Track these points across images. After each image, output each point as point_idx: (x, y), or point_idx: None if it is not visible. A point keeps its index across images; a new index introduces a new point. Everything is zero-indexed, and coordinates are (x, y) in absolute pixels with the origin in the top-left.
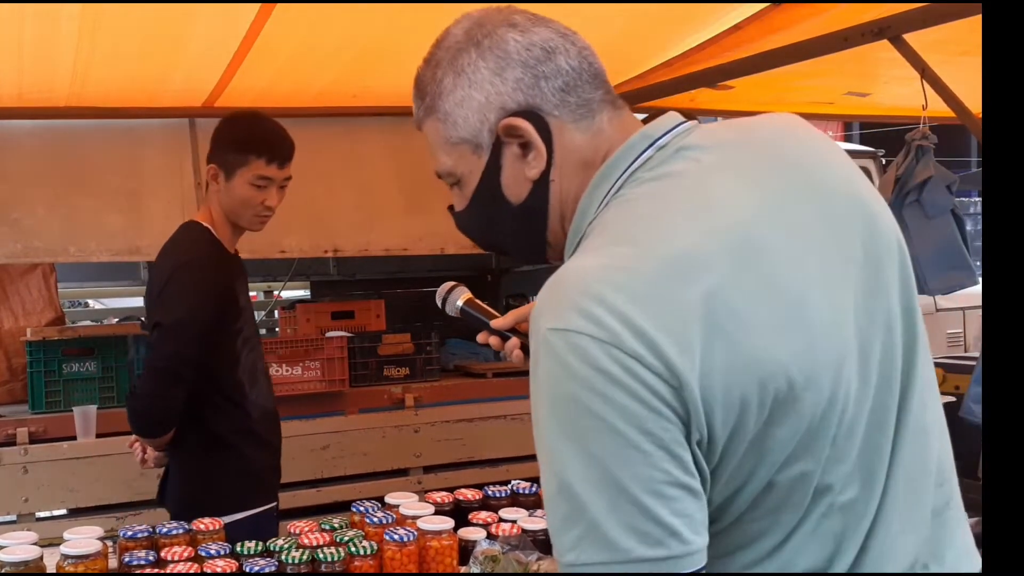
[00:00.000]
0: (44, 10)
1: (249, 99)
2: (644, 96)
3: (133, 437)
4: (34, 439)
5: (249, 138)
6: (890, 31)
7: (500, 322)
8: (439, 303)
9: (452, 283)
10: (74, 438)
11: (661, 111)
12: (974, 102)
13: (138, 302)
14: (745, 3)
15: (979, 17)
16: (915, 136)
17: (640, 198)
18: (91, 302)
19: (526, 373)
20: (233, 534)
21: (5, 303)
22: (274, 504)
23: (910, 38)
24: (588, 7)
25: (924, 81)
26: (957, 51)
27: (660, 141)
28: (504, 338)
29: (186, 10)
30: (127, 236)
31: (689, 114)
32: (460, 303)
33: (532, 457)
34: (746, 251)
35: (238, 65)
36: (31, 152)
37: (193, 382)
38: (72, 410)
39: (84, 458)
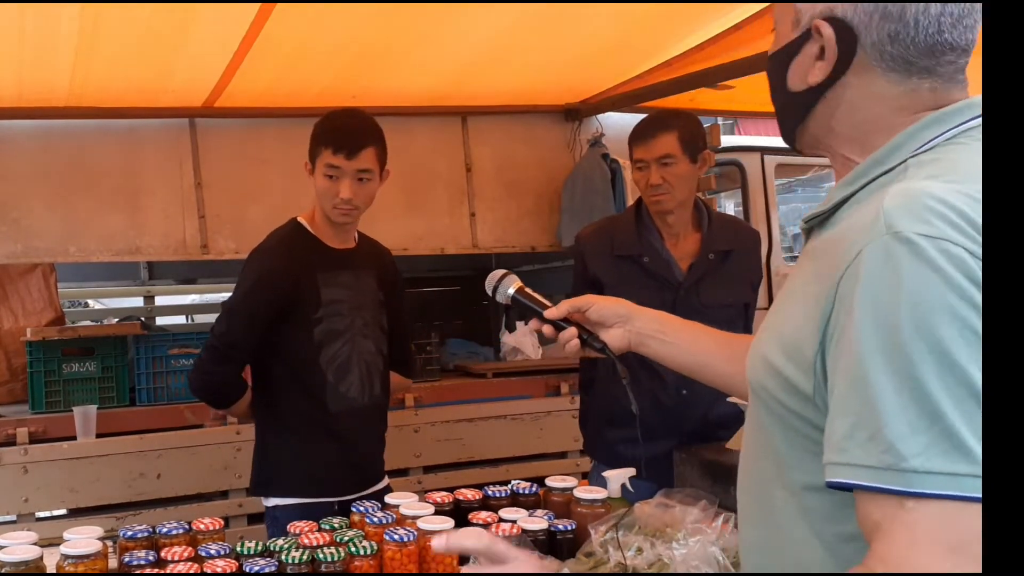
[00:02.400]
0: (44, 10)
1: (249, 99)
2: (644, 96)
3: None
4: (34, 439)
5: (321, 131)
6: None
7: (554, 312)
8: (489, 291)
9: (503, 271)
10: (74, 438)
11: (660, 116)
12: None
13: (138, 302)
14: (745, 3)
15: None
16: None
17: (966, 154)
18: (91, 302)
19: (526, 373)
20: (284, 518)
21: (5, 303)
22: (332, 500)
23: None
24: (588, 7)
25: None
26: None
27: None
28: (558, 328)
29: (186, 10)
30: (127, 236)
31: (688, 114)
32: (512, 291)
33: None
34: None
35: (238, 65)
36: (31, 152)
37: (263, 362)
38: (72, 410)
39: (84, 458)
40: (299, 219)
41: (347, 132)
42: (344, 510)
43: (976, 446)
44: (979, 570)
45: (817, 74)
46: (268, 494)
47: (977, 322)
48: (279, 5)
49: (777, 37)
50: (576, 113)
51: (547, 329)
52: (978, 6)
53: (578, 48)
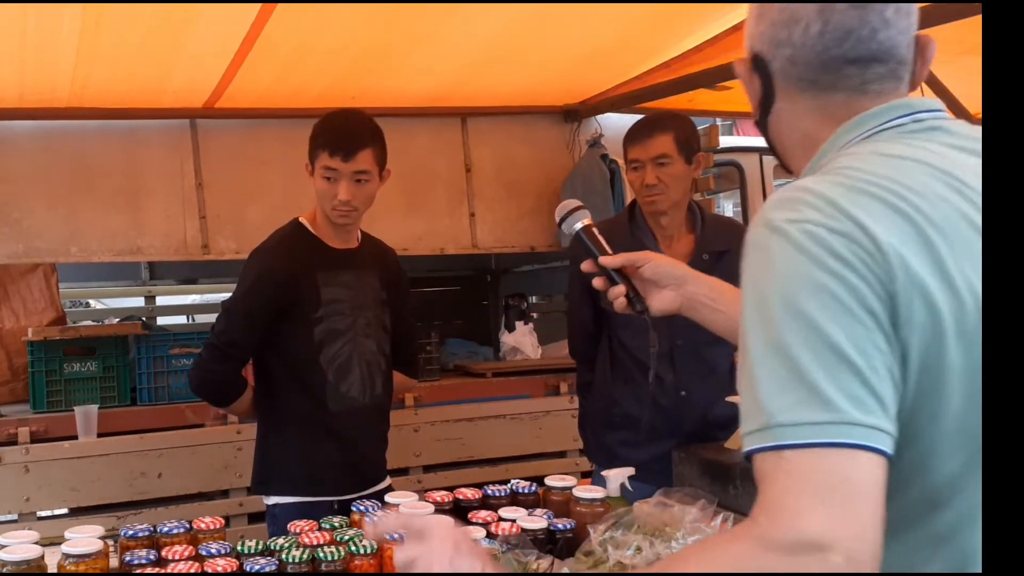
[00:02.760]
0: (45, 10)
1: (250, 100)
2: (644, 97)
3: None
4: (35, 438)
5: (319, 132)
6: None
7: (610, 259)
8: (557, 218)
9: (577, 203)
10: (75, 437)
11: (660, 112)
12: (973, 102)
13: (139, 302)
14: (745, 3)
15: (979, 17)
16: None
17: (883, 147)
18: (92, 302)
19: (526, 373)
20: (283, 516)
21: (6, 303)
22: (332, 499)
23: None
24: (588, 7)
25: (923, 81)
26: (957, 51)
27: (920, 115)
28: (610, 280)
29: (187, 11)
30: (128, 236)
31: (688, 115)
32: (579, 226)
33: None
34: (966, 200)
35: (239, 66)
36: (32, 152)
37: (264, 361)
38: (73, 410)
39: (85, 457)
40: (300, 219)
41: (344, 134)
42: (344, 509)
43: (839, 398)
44: (847, 510)
45: (752, 108)
46: (268, 492)
47: (837, 288)
48: (279, 5)
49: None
50: (575, 114)
51: (598, 281)
52: (874, 15)
53: (577, 49)
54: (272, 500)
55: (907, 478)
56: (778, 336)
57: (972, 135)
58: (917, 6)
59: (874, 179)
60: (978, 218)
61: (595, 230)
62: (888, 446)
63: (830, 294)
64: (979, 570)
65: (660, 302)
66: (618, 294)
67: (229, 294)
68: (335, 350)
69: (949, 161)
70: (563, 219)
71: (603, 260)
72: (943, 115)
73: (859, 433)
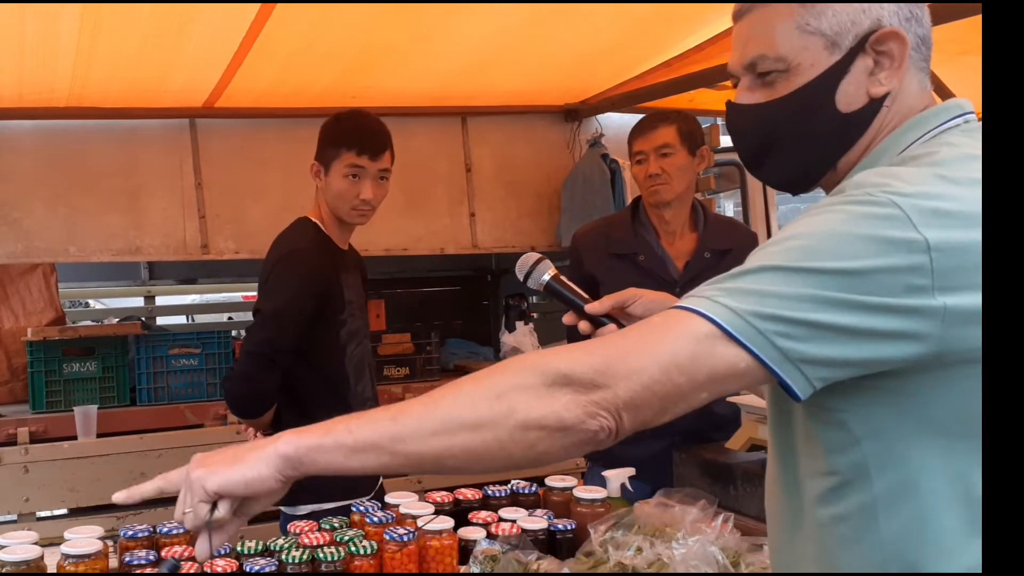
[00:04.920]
0: (44, 10)
1: (250, 99)
2: (644, 96)
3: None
4: (35, 439)
5: (339, 133)
6: None
7: (596, 307)
8: (520, 276)
9: (537, 255)
10: (75, 438)
11: (659, 112)
12: (973, 102)
13: (139, 302)
14: (744, 3)
15: (979, 17)
16: None
17: (958, 143)
18: (92, 302)
19: None
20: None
21: (6, 303)
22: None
23: None
24: (588, 7)
25: None
26: (957, 51)
27: (969, 115)
28: (596, 324)
29: (186, 10)
30: (127, 236)
31: (686, 113)
32: (546, 278)
33: None
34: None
35: (238, 65)
36: (32, 152)
37: (292, 369)
38: (73, 410)
39: (85, 458)
40: (311, 218)
41: (370, 133)
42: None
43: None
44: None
45: (884, 83)
46: (300, 502)
47: (870, 238)
48: (279, 5)
49: (789, 75)
50: (576, 113)
51: (583, 325)
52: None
53: (577, 48)
54: (306, 509)
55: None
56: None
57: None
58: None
59: (961, 174)
60: None
61: (563, 278)
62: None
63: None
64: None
65: None
66: (608, 333)
67: (229, 294)
68: (352, 351)
69: None
70: (527, 275)
71: (590, 309)
72: (973, 116)
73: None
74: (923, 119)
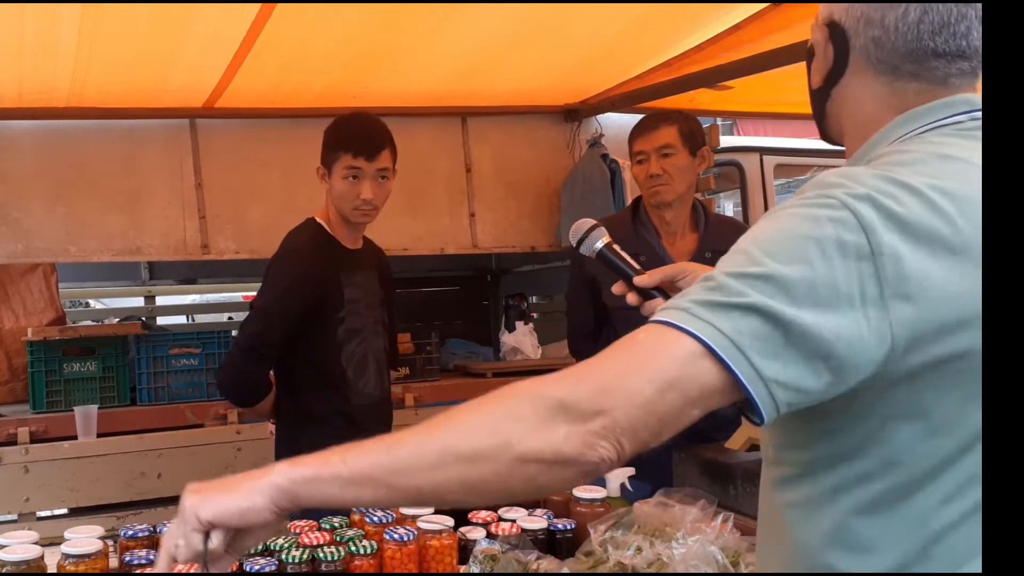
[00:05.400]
0: (44, 10)
1: (250, 100)
2: (644, 96)
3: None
4: (35, 439)
5: (338, 136)
6: None
7: (646, 279)
8: (573, 242)
9: (592, 222)
10: (75, 438)
11: (660, 112)
12: None
13: (139, 302)
14: (745, 3)
15: None
16: None
17: (941, 142)
18: (92, 302)
19: (526, 373)
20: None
21: (6, 303)
22: None
23: None
24: (588, 7)
25: None
26: None
27: (977, 112)
28: (645, 296)
29: (186, 10)
30: (128, 236)
31: (687, 113)
32: (599, 245)
33: None
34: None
35: (239, 65)
36: (32, 152)
37: (290, 363)
38: (73, 410)
39: (85, 458)
40: (317, 219)
41: (366, 134)
42: None
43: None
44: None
45: (817, 76)
46: None
47: (821, 231)
48: (279, 5)
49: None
50: (576, 114)
51: (632, 297)
52: (973, 11)
53: (578, 49)
54: None
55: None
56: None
57: None
58: None
59: (918, 180)
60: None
61: (617, 247)
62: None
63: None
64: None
65: None
66: (655, 307)
67: (229, 294)
68: (352, 348)
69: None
70: (580, 240)
71: (639, 281)
72: None
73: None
74: (915, 115)
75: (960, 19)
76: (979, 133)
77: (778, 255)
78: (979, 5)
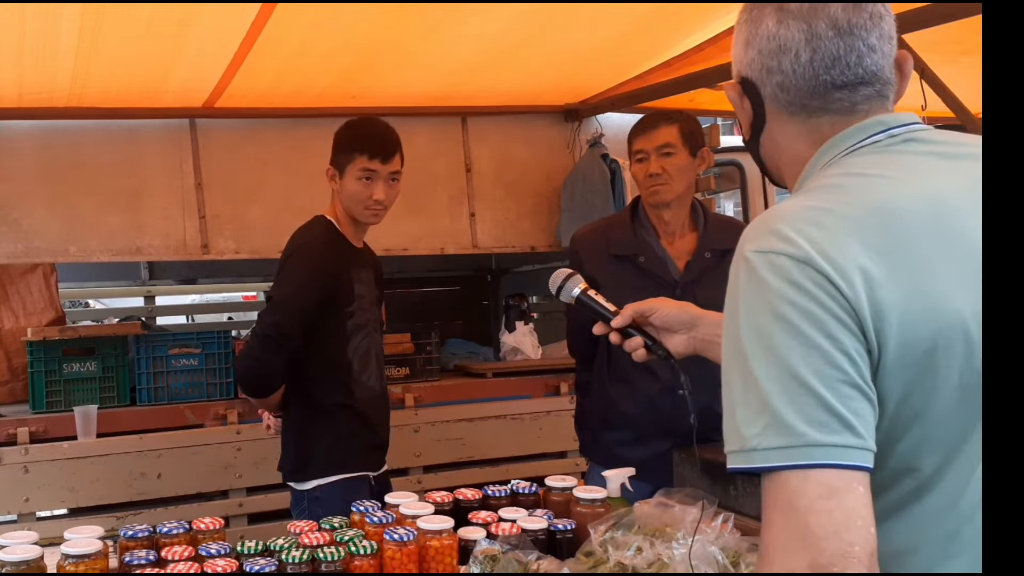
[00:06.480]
0: (44, 10)
1: (250, 100)
2: (644, 96)
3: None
4: (35, 439)
5: (352, 138)
6: None
7: (620, 320)
8: (553, 290)
9: (568, 271)
10: (75, 438)
11: (660, 111)
12: (973, 102)
13: (139, 302)
14: (744, 3)
15: (979, 17)
16: None
17: (858, 163)
18: (92, 302)
19: (526, 373)
20: (326, 496)
21: (6, 303)
22: (366, 475)
23: (909, 38)
24: (588, 7)
25: (923, 81)
26: (957, 51)
27: (894, 130)
28: (624, 335)
29: (186, 10)
30: (127, 236)
31: (688, 115)
32: (577, 292)
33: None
34: (939, 213)
35: (239, 65)
36: (32, 152)
37: (298, 353)
38: (73, 410)
39: (84, 458)
40: (327, 216)
41: (382, 138)
42: (380, 484)
43: (797, 421)
44: (803, 524)
45: (744, 129)
46: (306, 477)
47: (797, 318)
48: (279, 5)
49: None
50: (576, 113)
51: (614, 337)
52: (859, 41)
53: (578, 49)
54: (312, 484)
55: (894, 474)
56: (747, 364)
57: (946, 140)
58: (895, 32)
59: (844, 200)
60: (949, 227)
61: (592, 292)
62: (853, 458)
63: (790, 325)
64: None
65: (673, 347)
66: (636, 346)
67: (229, 294)
68: (358, 342)
69: (921, 171)
70: (559, 288)
71: (615, 323)
72: (918, 126)
73: (818, 453)
74: (832, 144)
75: (849, 51)
76: (896, 147)
77: (774, 348)
78: (863, 35)
